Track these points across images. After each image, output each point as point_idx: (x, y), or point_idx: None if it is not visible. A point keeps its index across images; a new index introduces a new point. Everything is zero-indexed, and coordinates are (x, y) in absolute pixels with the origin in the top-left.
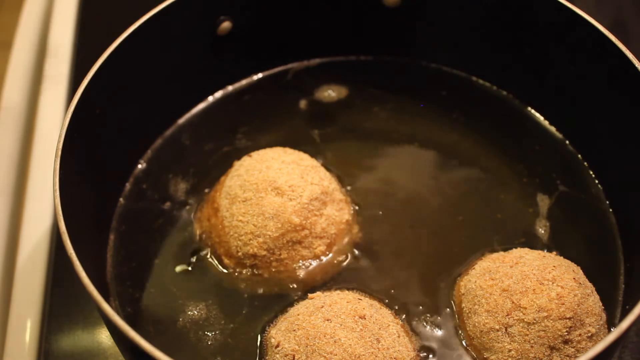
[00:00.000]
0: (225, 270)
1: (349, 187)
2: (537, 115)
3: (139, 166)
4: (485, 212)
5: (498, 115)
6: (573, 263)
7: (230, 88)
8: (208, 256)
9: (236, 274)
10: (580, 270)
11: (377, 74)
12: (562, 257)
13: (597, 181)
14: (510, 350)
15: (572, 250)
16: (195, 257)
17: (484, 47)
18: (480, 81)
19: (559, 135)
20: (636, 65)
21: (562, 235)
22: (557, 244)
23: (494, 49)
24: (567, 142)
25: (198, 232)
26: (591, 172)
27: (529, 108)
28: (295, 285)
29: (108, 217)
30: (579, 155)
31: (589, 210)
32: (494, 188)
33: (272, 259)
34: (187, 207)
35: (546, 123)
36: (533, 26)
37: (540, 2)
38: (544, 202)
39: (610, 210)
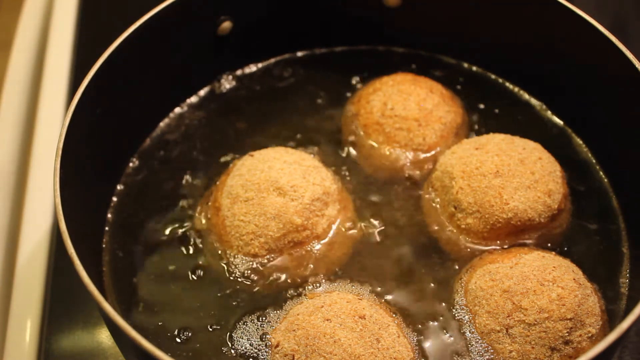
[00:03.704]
0: (225, 270)
1: (349, 186)
2: (542, 105)
3: (140, 165)
4: None
5: (503, 107)
6: (573, 263)
7: (230, 87)
8: (208, 255)
9: (236, 273)
10: (580, 271)
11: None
12: (561, 258)
13: (603, 179)
14: (511, 352)
15: (571, 250)
16: (195, 257)
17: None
18: (487, 73)
19: (563, 126)
20: (636, 66)
21: (562, 235)
22: (556, 244)
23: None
24: (574, 136)
25: (198, 231)
26: (598, 169)
27: (534, 100)
28: (295, 286)
29: (108, 216)
30: (587, 151)
31: (592, 208)
32: None
33: (273, 259)
34: (188, 207)
35: (549, 114)
36: (535, 27)
37: (541, 3)
38: None
39: (615, 208)
